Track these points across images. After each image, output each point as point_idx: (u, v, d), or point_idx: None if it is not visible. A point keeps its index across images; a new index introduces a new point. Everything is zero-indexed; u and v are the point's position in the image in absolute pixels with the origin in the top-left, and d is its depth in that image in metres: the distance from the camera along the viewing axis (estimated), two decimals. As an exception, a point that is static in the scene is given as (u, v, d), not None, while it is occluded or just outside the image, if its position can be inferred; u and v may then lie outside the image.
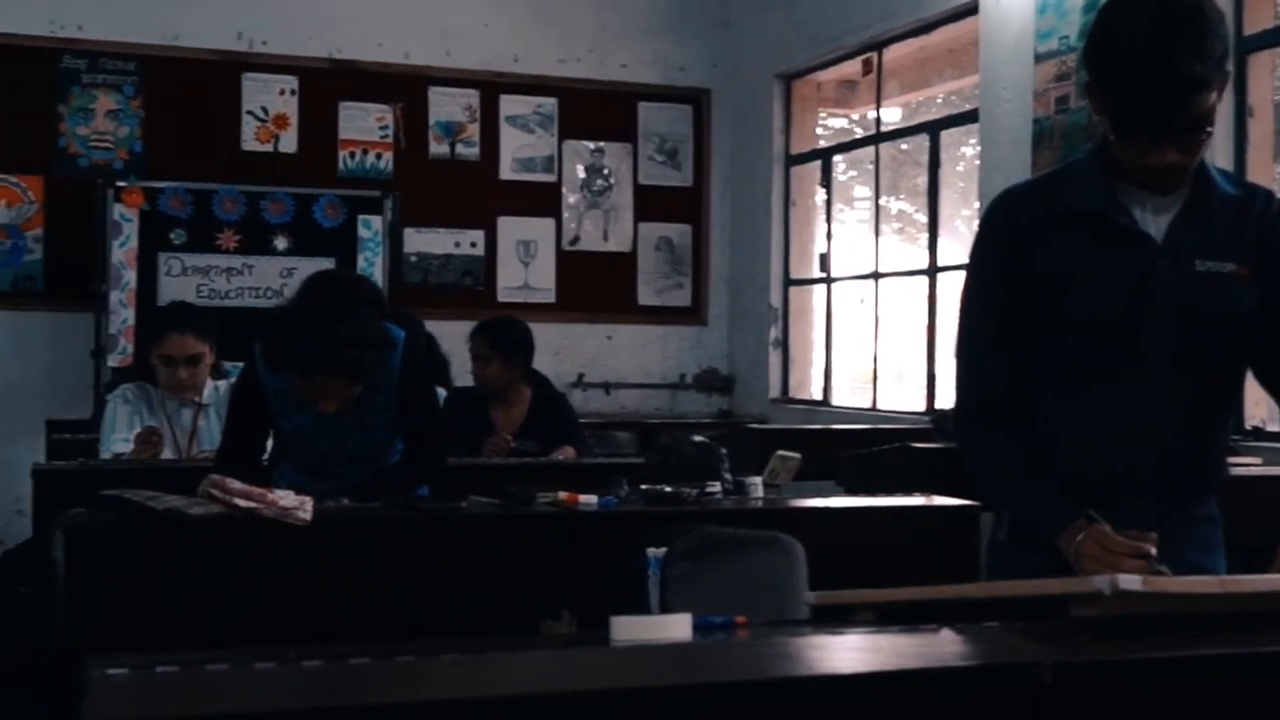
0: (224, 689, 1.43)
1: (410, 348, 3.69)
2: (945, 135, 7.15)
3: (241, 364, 3.85)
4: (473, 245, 8.24)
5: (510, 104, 8.34)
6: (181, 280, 7.22)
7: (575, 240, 8.49)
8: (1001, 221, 2.36)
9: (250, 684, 1.45)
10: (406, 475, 3.68)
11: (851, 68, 7.93)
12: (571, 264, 8.45)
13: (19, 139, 7.44)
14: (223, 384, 4.80)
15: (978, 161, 6.66)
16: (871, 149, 7.84)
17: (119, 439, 4.68)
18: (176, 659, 1.55)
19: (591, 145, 8.52)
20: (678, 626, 1.86)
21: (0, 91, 7.40)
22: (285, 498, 2.98)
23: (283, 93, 7.90)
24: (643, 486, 3.43)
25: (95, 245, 7.18)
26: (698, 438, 3.78)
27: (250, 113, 7.85)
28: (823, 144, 8.47)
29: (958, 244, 7.21)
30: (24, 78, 7.45)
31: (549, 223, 8.42)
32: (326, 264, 7.06)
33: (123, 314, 7.13)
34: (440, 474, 3.76)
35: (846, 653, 1.75)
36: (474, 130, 8.26)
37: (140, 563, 2.93)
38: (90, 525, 2.96)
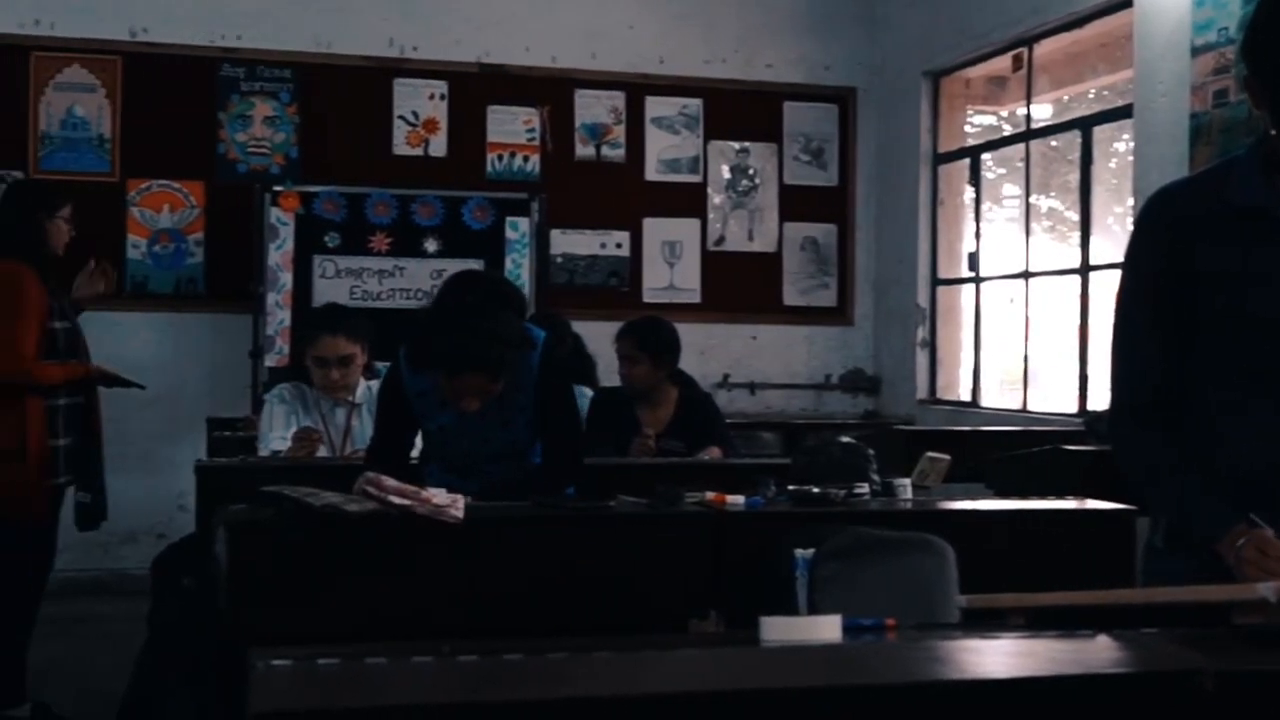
0: (383, 683, 1.47)
1: (549, 347, 3.73)
2: (1098, 131, 7.00)
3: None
4: (618, 246, 8.30)
5: (656, 105, 8.37)
6: (335, 282, 7.39)
7: (720, 241, 8.49)
8: (1158, 219, 2.31)
9: (408, 678, 1.48)
10: (547, 475, 3.72)
11: (1001, 63, 7.81)
12: (717, 264, 8.46)
13: (182, 146, 7.68)
14: (375, 384, 4.88)
15: (1131, 158, 6.51)
16: (1021, 146, 7.71)
17: (276, 437, 4.81)
18: (337, 652, 1.59)
19: (736, 145, 8.52)
20: (828, 627, 1.85)
21: (164, 100, 7.65)
22: (438, 495, 3.03)
23: (432, 97, 8.04)
24: (790, 487, 3.42)
25: (253, 248, 7.39)
26: (845, 438, 3.76)
27: (401, 117, 8.00)
28: (971, 142, 8.35)
29: (1110, 242, 7.05)
30: (186, 87, 7.69)
31: (694, 223, 8.44)
32: (475, 265, 7.18)
33: (279, 315, 7.32)
34: (579, 474, 3.79)
35: (1000, 657, 1.73)
36: (619, 132, 8.31)
37: (299, 557, 3.01)
38: (251, 520, 3.04)
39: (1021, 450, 4.86)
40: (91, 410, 4.98)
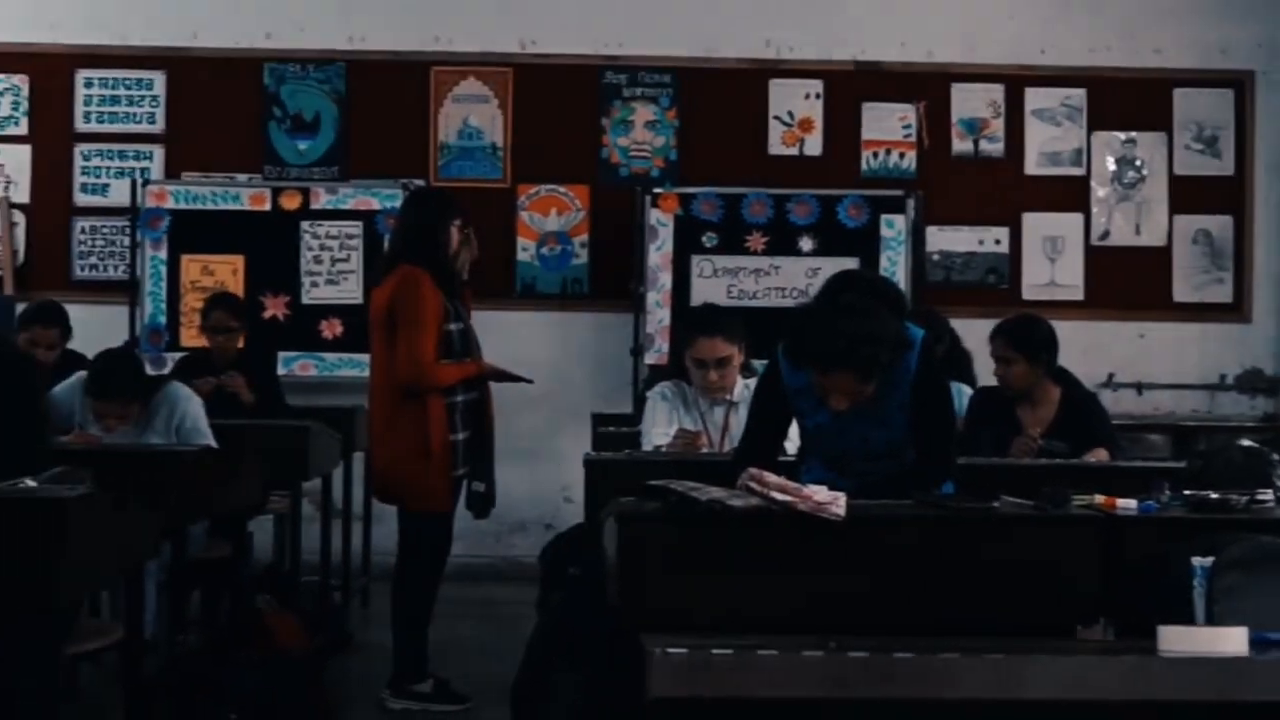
0: (776, 675, 1.50)
1: (927, 346, 3.69)
2: None
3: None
4: (996, 242, 8.12)
5: (1036, 97, 8.14)
6: (712, 282, 7.54)
7: (1105, 235, 8.19)
8: None
9: (800, 671, 1.51)
10: (920, 474, 3.67)
11: None
12: (1101, 260, 8.15)
13: (568, 151, 8.00)
14: (753, 382, 4.95)
15: None
16: None
17: (659, 433, 4.95)
18: (729, 642, 1.63)
19: (1122, 136, 8.19)
20: (1232, 640, 1.78)
21: (551, 108, 8.00)
22: (819, 493, 3.05)
23: (808, 96, 8.08)
24: (1185, 492, 3.28)
25: (634, 249, 7.64)
26: (1246, 442, 3.58)
27: (776, 118, 8.07)
28: (1386, 124, 7.77)
29: None
30: (572, 95, 8.01)
31: (1076, 218, 8.17)
32: (850, 264, 7.19)
33: (659, 314, 7.55)
34: (951, 473, 3.74)
35: None
36: (998, 126, 8.13)
37: (684, 550, 3.08)
38: (639, 513, 3.14)
39: None
40: (484, 405, 5.25)
